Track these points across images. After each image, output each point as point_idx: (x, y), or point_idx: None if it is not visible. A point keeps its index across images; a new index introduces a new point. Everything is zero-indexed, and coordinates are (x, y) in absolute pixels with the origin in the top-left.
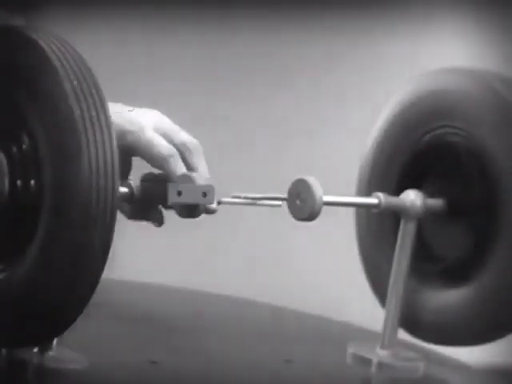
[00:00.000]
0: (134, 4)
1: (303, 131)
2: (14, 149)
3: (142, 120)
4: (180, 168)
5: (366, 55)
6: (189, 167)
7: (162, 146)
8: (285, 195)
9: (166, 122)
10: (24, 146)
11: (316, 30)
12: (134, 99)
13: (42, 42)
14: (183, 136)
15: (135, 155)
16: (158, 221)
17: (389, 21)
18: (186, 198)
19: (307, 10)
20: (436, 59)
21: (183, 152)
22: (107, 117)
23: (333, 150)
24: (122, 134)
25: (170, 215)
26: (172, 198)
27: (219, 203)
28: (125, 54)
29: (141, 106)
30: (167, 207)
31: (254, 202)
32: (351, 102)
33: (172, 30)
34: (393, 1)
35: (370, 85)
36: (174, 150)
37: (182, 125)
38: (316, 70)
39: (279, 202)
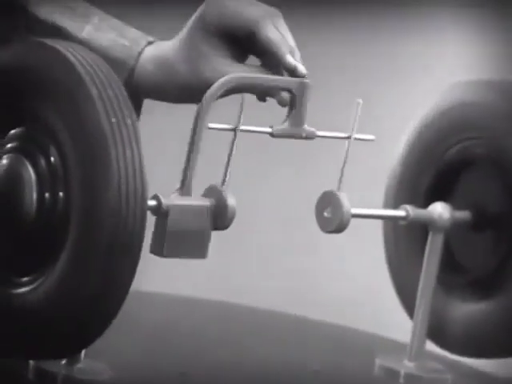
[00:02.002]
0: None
1: None
2: (42, 161)
3: None
4: (273, 32)
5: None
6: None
7: (253, 10)
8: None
9: None
10: (52, 158)
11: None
12: None
13: (69, 55)
14: (266, 6)
15: (223, 27)
16: None
17: (389, 21)
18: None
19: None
20: (436, 59)
21: (272, 17)
22: (136, 129)
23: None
24: (206, 11)
25: None
26: None
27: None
28: None
29: None
30: None
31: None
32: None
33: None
34: (393, 1)
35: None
36: (264, 13)
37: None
38: None
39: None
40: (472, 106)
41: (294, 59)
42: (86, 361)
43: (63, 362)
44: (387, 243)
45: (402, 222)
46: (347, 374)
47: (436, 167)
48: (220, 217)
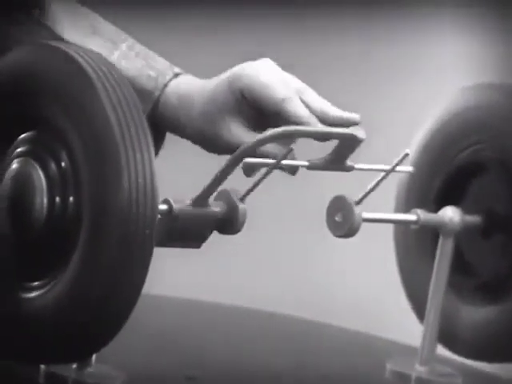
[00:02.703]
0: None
1: None
2: (53, 166)
3: (256, 64)
4: (300, 107)
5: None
6: (307, 106)
7: (280, 88)
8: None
9: (279, 69)
10: (62, 163)
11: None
12: None
13: (81, 60)
14: (297, 81)
15: (251, 98)
16: None
17: (389, 20)
18: None
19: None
20: (436, 60)
21: (300, 96)
22: (146, 133)
23: None
24: (238, 77)
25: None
26: None
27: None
28: None
29: None
30: None
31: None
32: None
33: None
34: (393, 1)
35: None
36: (292, 91)
37: None
38: None
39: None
40: (483, 109)
41: (335, 115)
42: (97, 365)
43: (74, 366)
44: (398, 247)
45: (413, 226)
46: (357, 378)
47: (446, 171)
48: (231, 222)
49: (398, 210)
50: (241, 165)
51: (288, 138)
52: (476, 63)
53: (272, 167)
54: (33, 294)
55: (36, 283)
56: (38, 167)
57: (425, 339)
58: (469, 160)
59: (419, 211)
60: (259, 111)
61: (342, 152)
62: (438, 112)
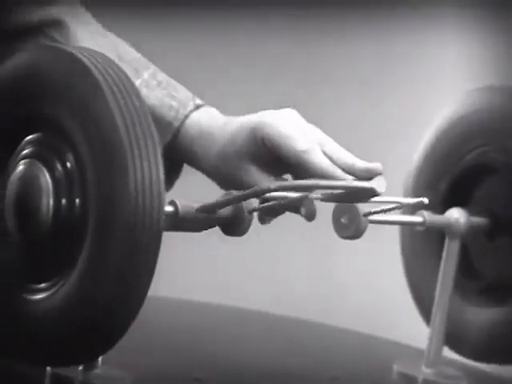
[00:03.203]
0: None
1: None
2: (59, 167)
3: (280, 114)
4: (321, 159)
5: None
6: (329, 158)
7: (302, 139)
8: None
9: (302, 120)
10: (69, 165)
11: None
12: None
13: (87, 62)
14: (319, 133)
15: (272, 147)
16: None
17: (388, 21)
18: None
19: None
20: (436, 59)
21: (322, 147)
22: (152, 134)
23: None
24: (261, 126)
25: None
26: None
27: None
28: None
29: None
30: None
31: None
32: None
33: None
34: (393, 1)
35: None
36: (314, 143)
37: None
38: None
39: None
40: (489, 111)
41: (359, 166)
42: (103, 367)
43: (80, 368)
44: (404, 249)
45: (419, 228)
46: (365, 380)
47: (453, 173)
48: (237, 224)
49: (404, 212)
50: (256, 214)
51: (310, 190)
52: (476, 63)
53: (284, 207)
54: (40, 296)
55: (43, 285)
56: (44, 169)
57: (431, 341)
58: (475, 162)
59: (425, 213)
60: (279, 159)
61: (357, 195)
62: (444, 114)
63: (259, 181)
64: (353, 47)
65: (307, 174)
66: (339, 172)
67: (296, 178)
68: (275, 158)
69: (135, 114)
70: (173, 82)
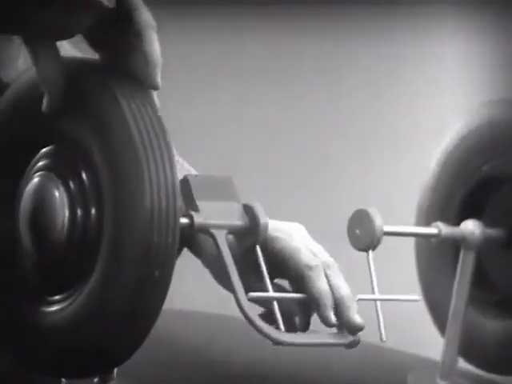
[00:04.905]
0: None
1: None
2: (74, 181)
3: (289, 228)
4: (322, 281)
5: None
6: (329, 283)
7: (309, 256)
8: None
9: (309, 237)
10: (84, 179)
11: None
12: None
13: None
14: (325, 254)
15: (279, 261)
16: None
17: (389, 20)
18: None
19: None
20: (435, 60)
21: (325, 269)
22: (169, 148)
23: None
24: (270, 240)
25: None
26: None
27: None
28: None
29: None
30: None
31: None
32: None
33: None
34: (393, 1)
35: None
36: (319, 262)
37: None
38: None
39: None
40: (503, 124)
41: (333, 320)
42: (119, 379)
43: (95, 380)
44: (419, 261)
45: (434, 240)
46: None
47: (468, 185)
48: (252, 233)
49: (418, 224)
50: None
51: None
52: (476, 63)
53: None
54: (54, 308)
55: (58, 297)
56: (59, 182)
57: (446, 353)
58: (490, 174)
59: (440, 224)
60: (277, 268)
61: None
62: (458, 126)
63: (252, 284)
64: (353, 47)
65: (302, 289)
66: (330, 303)
67: (288, 280)
68: (273, 266)
69: (151, 128)
70: (186, 165)
